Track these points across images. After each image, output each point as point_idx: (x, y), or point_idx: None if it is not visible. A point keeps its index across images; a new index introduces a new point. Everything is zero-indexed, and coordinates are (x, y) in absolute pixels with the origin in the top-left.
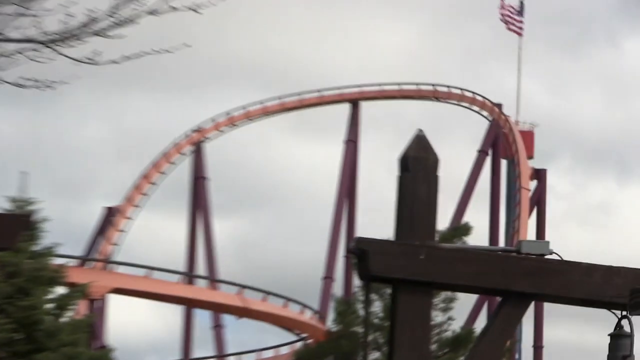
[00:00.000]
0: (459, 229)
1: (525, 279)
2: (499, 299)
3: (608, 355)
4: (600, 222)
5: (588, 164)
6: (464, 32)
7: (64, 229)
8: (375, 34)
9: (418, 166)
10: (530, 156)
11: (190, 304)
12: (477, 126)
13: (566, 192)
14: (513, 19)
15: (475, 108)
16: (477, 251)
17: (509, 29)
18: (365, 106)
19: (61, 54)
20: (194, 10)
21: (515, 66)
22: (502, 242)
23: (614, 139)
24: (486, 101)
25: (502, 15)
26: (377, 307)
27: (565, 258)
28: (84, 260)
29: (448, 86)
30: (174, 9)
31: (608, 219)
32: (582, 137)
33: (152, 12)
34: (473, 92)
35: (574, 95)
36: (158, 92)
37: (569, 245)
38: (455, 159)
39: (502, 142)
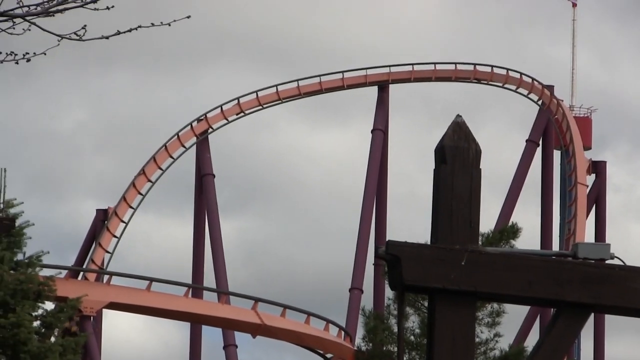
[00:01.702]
0: (506, 230)
1: (582, 288)
2: (553, 311)
3: None
4: None
5: None
6: (505, 1)
7: (46, 233)
8: (404, 6)
9: (457, 158)
10: (587, 146)
11: (197, 320)
12: (525, 112)
13: (624, 184)
14: None
15: (523, 91)
16: (527, 256)
17: None
18: (394, 89)
19: (42, 29)
20: None
21: (566, 40)
22: (555, 246)
23: None
24: (535, 83)
25: None
26: (413, 322)
27: (628, 262)
28: (74, 271)
29: (491, 65)
30: None
31: None
32: None
33: None
34: (520, 72)
35: (631, 70)
36: (148, 70)
37: (628, 245)
38: (500, 149)
39: (554, 131)
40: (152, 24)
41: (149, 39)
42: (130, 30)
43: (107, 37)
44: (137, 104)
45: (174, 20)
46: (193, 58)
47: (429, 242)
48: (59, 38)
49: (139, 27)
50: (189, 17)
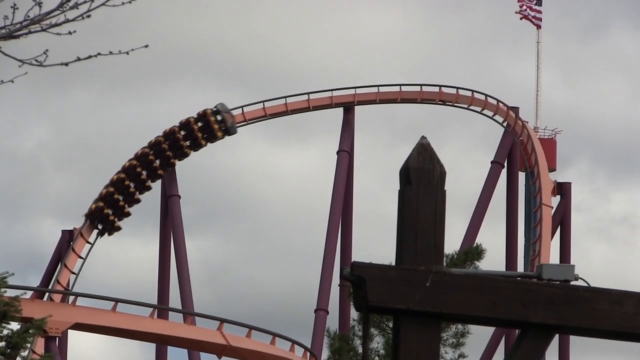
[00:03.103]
0: (471, 251)
1: (547, 309)
2: (517, 331)
3: None
4: (625, 238)
5: (611, 168)
6: (469, 22)
7: (6, 253)
8: (369, 27)
9: (422, 179)
10: (552, 168)
11: (163, 341)
12: (490, 132)
13: (585, 203)
14: (531, 9)
15: (488, 112)
16: (491, 277)
17: (525, 17)
18: (359, 110)
19: (4, 53)
20: None
21: (531, 62)
22: (520, 267)
23: None
24: (500, 104)
25: (521, 8)
26: (377, 342)
27: (589, 280)
28: (40, 292)
29: (456, 87)
30: None
31: (635, 233)
32: (603, 137)
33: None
34: (485, 94)
35: (593, 89)
36: (109, 89)
37: (589, 264)
38: (465, 169)
39: (519, 152)
40: (111, 52)
41: (109, 59)
42: (89, 57)
43: (66, 64)
44: (98, 123)
45: (132, 49)
46: (155, 78)
47: (393, 263)
48: (20, 63)
49: (98, 54)
50: (146, 46)
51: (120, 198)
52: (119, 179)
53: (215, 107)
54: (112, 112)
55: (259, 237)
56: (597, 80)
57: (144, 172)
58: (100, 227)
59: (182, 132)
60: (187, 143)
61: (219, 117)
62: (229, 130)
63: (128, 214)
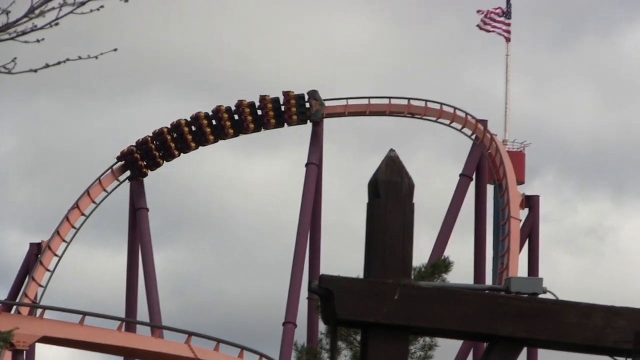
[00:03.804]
0: (438, 264)
1: (515, 322)
2: (485, 345)
3: None
4: (593, 249)
5: (578, 179)
6: (438, 34)
7: None
8: (338, 39)
9: (390, 192)
10: (520, 181)
11: (131, 354)
12: (458, 144)
13: (553, 214)
14: (497, 21)
15: (456, 125)
16: (459, 290)
17: (489, 30)
18: (328, 123)
19: None
20: None
21: (500, 74)
22: (488, 280)
23: (609, 148)
24: (469, 117)
25: (484, 21)
26: (345, 356)
27: (556, 291)
28: (7, 305)
29: (425, 100)
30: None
31: (602, 244)
32: (571, 148)
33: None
34: (454, 107)
35: (561, 100)
36: (76, 98)
37: (555, 275)
38: (433, 181)
39: (487, 165)
40: (80, 57)
41: (77, 67)
42: (58, 63)
43: (35, 71)
44: (66, 132)
45: (101, 53)
46: (124, 87)
47: (362, 276)
48: None
49: (67, 60)
50: (115, 50)
51: (155, 150)
52: (160, 130)
53: (307, 92)
54: (80, 121)
55: (226, 249)
56: (565, 92)
57: (191, 136)
58: (130, 171)
59: (258, 111)
60: (250, 118)
61: (306, 104)
62: (311, 117)
63: (159, 164)
